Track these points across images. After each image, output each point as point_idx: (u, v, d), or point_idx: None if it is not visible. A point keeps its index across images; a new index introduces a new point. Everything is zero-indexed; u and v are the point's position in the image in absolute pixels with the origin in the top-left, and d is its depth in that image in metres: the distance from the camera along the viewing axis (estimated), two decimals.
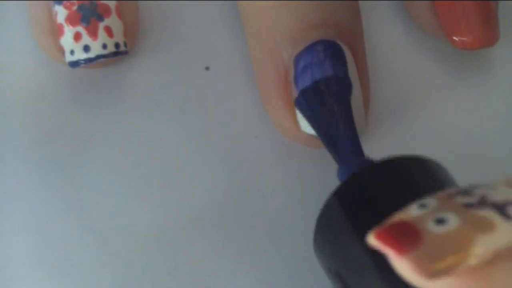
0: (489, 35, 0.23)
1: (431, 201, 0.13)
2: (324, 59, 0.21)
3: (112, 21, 0.22)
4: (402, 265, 0.12)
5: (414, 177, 0.18)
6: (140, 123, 0.24)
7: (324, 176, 0.23)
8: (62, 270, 0.21)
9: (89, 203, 0.22)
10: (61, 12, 0.22)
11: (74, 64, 0.22)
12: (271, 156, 0.23)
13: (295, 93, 0.21)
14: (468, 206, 0.13)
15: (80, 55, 0.22)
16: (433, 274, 0.12)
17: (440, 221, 0.13)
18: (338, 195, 0.18)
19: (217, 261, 0.22)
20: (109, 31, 0.22)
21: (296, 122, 0.22)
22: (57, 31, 0.22)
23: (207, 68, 0.25)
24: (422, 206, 0.13)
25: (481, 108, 0.24)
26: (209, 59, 0.25)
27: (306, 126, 0.21)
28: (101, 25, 0.22)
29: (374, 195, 0.17)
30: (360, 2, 0.23)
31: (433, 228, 0.12)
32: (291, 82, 0.21)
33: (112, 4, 0.23)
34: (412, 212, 0.13)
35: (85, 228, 0.22)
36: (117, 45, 0.23)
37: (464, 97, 0.25)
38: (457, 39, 0.23)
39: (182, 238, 0.22)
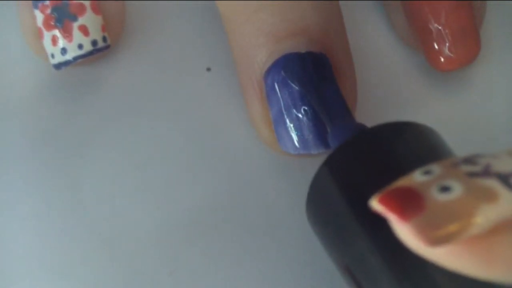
0: (466, 53, 0.22)
1: (435, 168, 0.13)
2: (288, 77, 0.20)
3: (88, 18, 0.22)
4: (404, 230, 0.12)
5: (408, 143, 0.17)
6: (141, 124, 0.24)
7: None
8: (63, 271, 0.22)
9: (90, 204, 0.23)
10: (39, 16, 0.22)
11: (57, 66, 0.23)
12: (273, 157, 0.23)
13: (270, 110, 0.21)
14: (473, 175, 0.13)
15: (60, 58, 0.22)
16: (435, 241, 0.12)
17: (444, 189, 0.13)
18: (329, 163, 0.17)
19: (217, 262, 0.22)
20: (84, 30, 0.22)
21: (274, 137, 0.21)
22: (39, 35, 0.23)
23: (208, 69, 0.25)
24: (426, 172, 0.13)
25: (468, 111, 0.24)
26: (211, 60, 0.25)
27: (281, 143, 0.21)
28: (75, 25, 0.22)
29: (366, 163, 0.17)
30: (344, 7, 0.22)
31: (437, 195, 0.13)
32: (265, 98, 0.21)
33: (86, 1, 0.22)
34: (416, 178, 0.13)
35: (85, 228, 0.22)
36: (94, 42, 0.22)
37: (450, 101, 0.24)
38: (431, 62, 0.23)
39: (182, 239, 0.22)
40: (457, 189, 0.12)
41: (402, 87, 0.24)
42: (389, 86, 0.24)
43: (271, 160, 0.23)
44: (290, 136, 0.20)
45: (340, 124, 0.19)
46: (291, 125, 0.20)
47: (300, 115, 0.20)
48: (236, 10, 0.21)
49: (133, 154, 0.23)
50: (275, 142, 0.21)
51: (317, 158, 0.22)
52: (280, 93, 0.20)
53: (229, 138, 0.24)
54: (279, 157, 0.23)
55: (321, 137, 0.20)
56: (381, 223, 0.13)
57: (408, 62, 0.25)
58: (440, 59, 0.22)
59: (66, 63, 0.22)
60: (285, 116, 0.20)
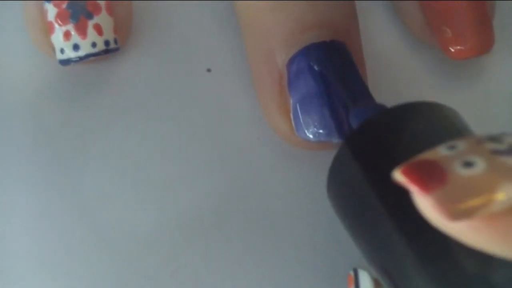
0: (485, 42, 0.22)
1: (460, 143, 0.13)
2: (316, 64, 0.21)
3: (102, 18, 0.22)
4: (425, 203, 0.12)
5: (429, 122, 0.17)
6: (142, 125, 0.24)
7: (325, 177, 0.22)
8: (63, 272, 0.21)
9: (90, 204, 0.23)
10: (51, 10, 0.22)
11: (65, 62, 0.22)
12: (273, 157, 0.23)
13: (289, 98, 0.21)
14: (497, 152, 0.13)
15: (70, 54, 0.22)
16: (455, 215, 0.12)
17: (468, 164, 0.13)
18: (350, 141, 0.18)
19: (218, 262, 0.22)
20: (98, 29, 0.22)
21: (291, 126, 0.21)
22: (48, 29, 0.22)
23: (208, 70, 0.25)
24: (451, 147, 0.13)
25: (478, 110, 0.24)
26: (211, 61, 0.25)
27: (300, 131, 0.21)
28: (91, 23, 0.22)
29: (387, 141, 0.17)
30: (357, 5, 0.23)
31: (460, 170, 0.12)
32: (285, 87, 0.21)
33: (102, 1, 0.22)
34: (440, 152, 0.13)
35: (86, 229, 0.22)
36: (106, 42, 0.23)
37: (460, 99, 0.24)
38: (452, 49, 0.23)
39: (183, 240, 0.22)
40: (481, 165, 0.12)
41: (410, 85, 0.25)
42: (397, 84, 0.25)
43: (272, 160, 0.23)
44: (314, 121, 0.21)
45: (361, 105, 0.19)
46: (315, 111, 0.20)
47: (324, 102, 0.20)
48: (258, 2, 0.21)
49: (134, 154, 0.23)
50: (291, 132, 0.21)
51: (322, 160, 0.22)
52: (305, 79, 0.20)
53: (229, 138, 0.24)
54: (281, 157, 0.23)
55: (343, 126, 0.20)
56: (402, 200, 0.14)
57: (416, 60, 0.25)
58: (455, 47, 0.22)
59: (75, 60, 0.22)
60: (309, 102, 0.20)
